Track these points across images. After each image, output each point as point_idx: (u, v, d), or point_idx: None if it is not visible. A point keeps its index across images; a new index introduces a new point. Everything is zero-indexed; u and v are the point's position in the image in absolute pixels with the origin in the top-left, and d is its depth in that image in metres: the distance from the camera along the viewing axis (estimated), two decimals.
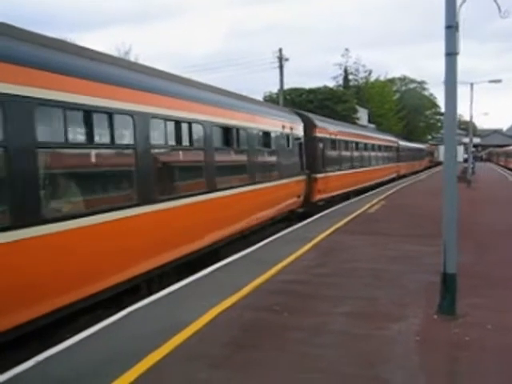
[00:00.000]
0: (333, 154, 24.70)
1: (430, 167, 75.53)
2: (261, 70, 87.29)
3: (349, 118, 46.93)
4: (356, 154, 30.09)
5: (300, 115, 21.42)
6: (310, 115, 23.79)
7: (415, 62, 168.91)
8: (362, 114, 58.45)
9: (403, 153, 48.61)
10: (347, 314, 7.65)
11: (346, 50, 77.86)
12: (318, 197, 21.67)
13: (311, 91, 51.24)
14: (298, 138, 19.64)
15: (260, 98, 52.09)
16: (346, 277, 9.98)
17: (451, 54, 7.07)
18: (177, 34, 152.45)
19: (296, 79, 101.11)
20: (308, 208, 20.66)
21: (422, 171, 62.82)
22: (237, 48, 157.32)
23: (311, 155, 21.00)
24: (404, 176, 47.83)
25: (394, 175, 42.78)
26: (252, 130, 14.54)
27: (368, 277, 9.95)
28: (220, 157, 12.49)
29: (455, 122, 7.22)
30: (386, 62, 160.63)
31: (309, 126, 21.28)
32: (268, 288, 9.15)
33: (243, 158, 14.20)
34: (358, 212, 20.55)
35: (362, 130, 35.84)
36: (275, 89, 49.67)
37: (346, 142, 27.73)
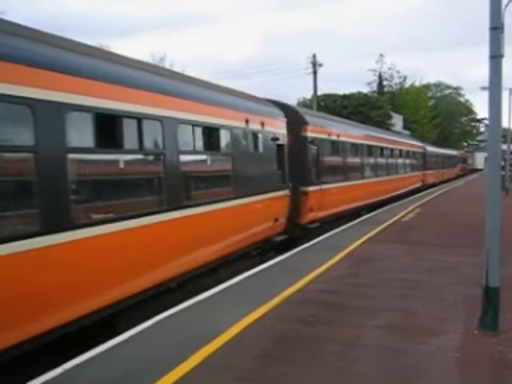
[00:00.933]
0: (332, 160, 19.47)
1: (463, 175, 72.46)
2: (295, 76, 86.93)
3: (383, 124, 46.36)
4: (368, 160, 24.72)
5: (283, 107, 15.87)
6: (300, 109, 19.57)
7: (451, 67, 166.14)
8: (397, 120, 57.76)
9: (431, 159, 44.09)
10: (383, 327, 7.35)
11: (381, 55, 77.00)
12: (309, 217, 16.51)
13: (345, 97, 50.89)
14: (276, 139, 14.20)
15: (294, 104, 51.91)
16: (380, 287, 9.66)
17: (496, 57, 6.74)
18: (210, 41, 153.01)
19: (330, 85, 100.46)
20: (295, 233, 15.75)
21: (453, 179, 59.01)
22: (270, 54, 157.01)
23: (300, 162, 16.08)
24: (432, 185, 43.47)
25: (418, 185, 37.57)
26: (175, 121, 9.20)
27: (404, 288, 9.61)
28: (97, 166, 7.94)
29: (499, 127, 6.89)
30: (421, 68, 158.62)
31: (295, 123, 16.02)
32: (300, 298, 8.89)
33: (154, 166, 9.06)
34: (392, 220, 20.11)
35: (377, 132, 29.40)
36: (309, 95, 49.46)
37: (354, 146, 22.56)
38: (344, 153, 20.96)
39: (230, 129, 11.51)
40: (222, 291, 9.42)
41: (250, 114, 12.64)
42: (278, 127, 14.76)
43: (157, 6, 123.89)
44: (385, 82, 76.72)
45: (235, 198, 11.47)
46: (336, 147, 20.04)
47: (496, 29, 6.72)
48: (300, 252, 13.47)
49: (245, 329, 7.26)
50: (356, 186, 21.92)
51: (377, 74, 75.46)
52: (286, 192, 14.80)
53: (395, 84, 77.97)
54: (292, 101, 57.20)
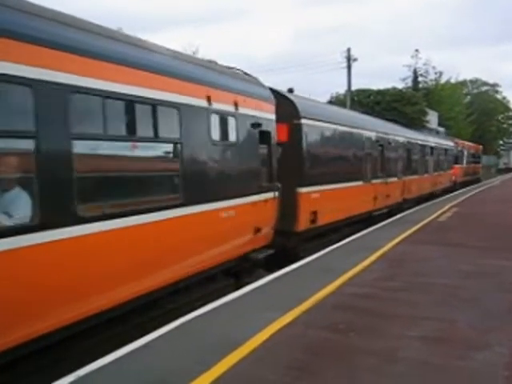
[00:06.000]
0: None
1: (470, 182, 47.02)
2: (328, 71, 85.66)
3: (418, 121, 45.16)
4: None
5: None
6: None
7: (488, 63, 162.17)
8: (432, 117, 56.31)
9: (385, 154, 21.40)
10: (422, 339, 6.78)
11: (416, 50, 74.84)
12: None
13: (379, 92, 49.53)
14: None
15: (326, 99, 51.05)
16: (417, 293, 9.07)
17: None
18: (242, 36, 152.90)
19: (364, 81, 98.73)
20: None
21: (440, 192, 33.12)
22: (303, 49, 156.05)
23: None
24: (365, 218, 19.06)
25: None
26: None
27: (442, 294, 9.02)
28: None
29: None
30: (457, 64, 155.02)
31: None
32: (332, 302, 8.39)
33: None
34: (428, 220, 19.39)
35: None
36: (342, 90, 48.54)
37: None
38: None
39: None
40: (249, 293, 8.98)
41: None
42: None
43: (190, 1, 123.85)
44: (420, 78, 74.82)
45: None
46: None
47: None
48: (331, 252, 12.94)
49: (273, 335, 6.80)
50: None
51: (412, 69, 73.80)
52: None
53: (430, 80, 75.99)
54: (325, 96, 56.28)
